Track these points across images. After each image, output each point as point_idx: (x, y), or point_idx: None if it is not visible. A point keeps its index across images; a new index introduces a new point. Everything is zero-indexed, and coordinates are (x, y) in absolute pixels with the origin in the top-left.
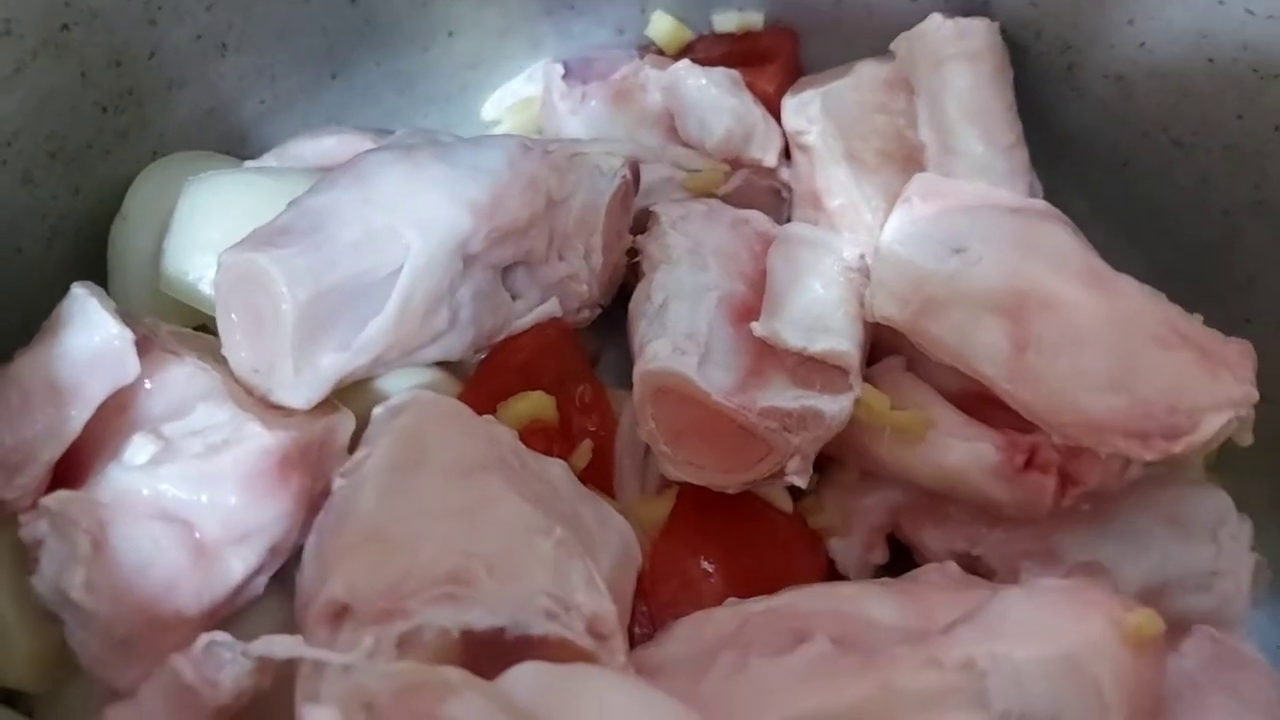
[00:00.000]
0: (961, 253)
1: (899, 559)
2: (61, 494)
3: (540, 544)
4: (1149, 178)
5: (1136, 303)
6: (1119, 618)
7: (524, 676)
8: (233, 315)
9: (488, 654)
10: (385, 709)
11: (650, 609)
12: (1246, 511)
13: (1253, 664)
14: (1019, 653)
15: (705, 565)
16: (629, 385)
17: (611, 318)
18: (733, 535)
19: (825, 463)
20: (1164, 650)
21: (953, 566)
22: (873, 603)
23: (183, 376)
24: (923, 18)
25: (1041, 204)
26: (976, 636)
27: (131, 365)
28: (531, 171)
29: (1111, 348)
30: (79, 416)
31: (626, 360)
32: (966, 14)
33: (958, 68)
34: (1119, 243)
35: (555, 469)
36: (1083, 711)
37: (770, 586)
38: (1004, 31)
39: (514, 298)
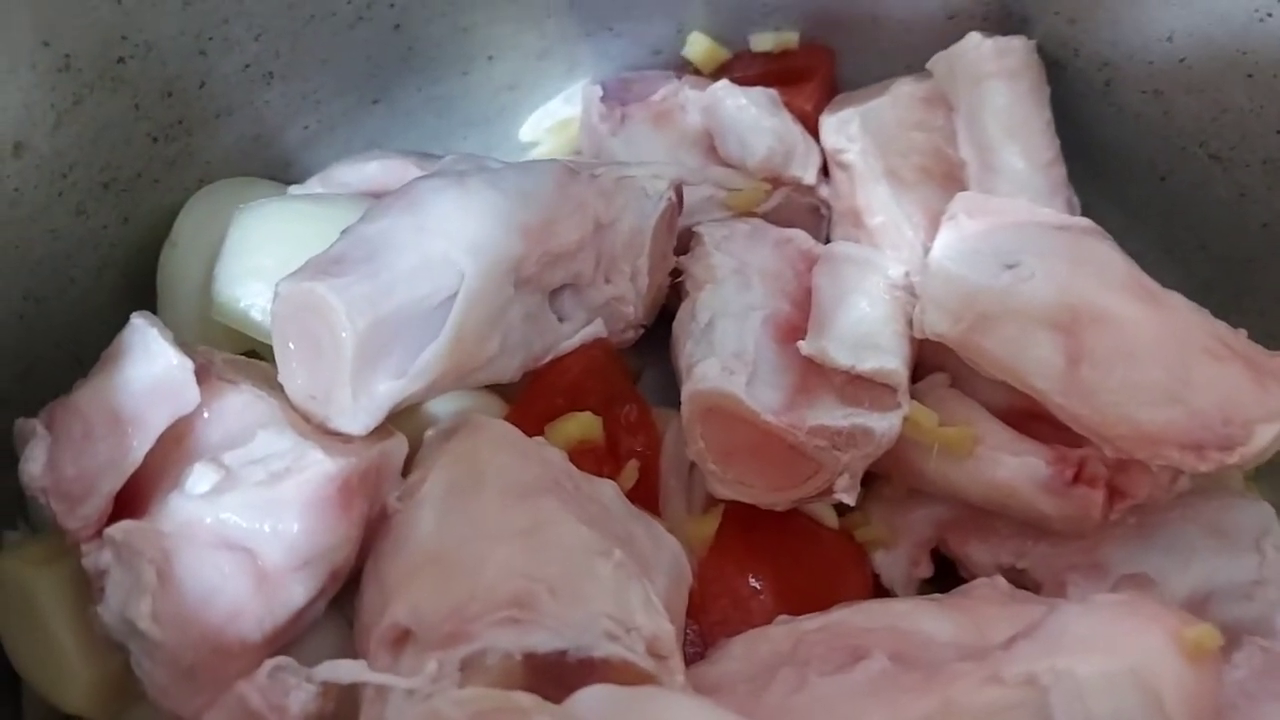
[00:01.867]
0: (1014, 268)
1: (943, 573)
2: (126, 524)
3: (599, 566)
4: (1187, 192)
5: (1186, 317)
6: (1178, 631)
7: (592, 700)
8: (290, 344)
9: (549, 676)
10: None
11: (701, 627)
12: None
13: None
14: (1081, 668)
15: (754, 583)
16: (671, 404)
17: (652, 337)
18: (780, 552)
19: (870, 478)
20: (1221, 663)
21: (1002, 581)
22: (927, 619)
23: (240, 405)
24: (958, 36)
25: (1086, 221)
26: (1038, 652)
27: (191, 394)
28: (580, 195)
29: (1164, 360)
30: (140, 447)
31: (667, 379)
32: (1004, 32)
33: (997, 85)
34: (1158, 257)
35: (607, 490)
36: None
37: (818, 602)
38: (1041, 49)
39: (560, 320)
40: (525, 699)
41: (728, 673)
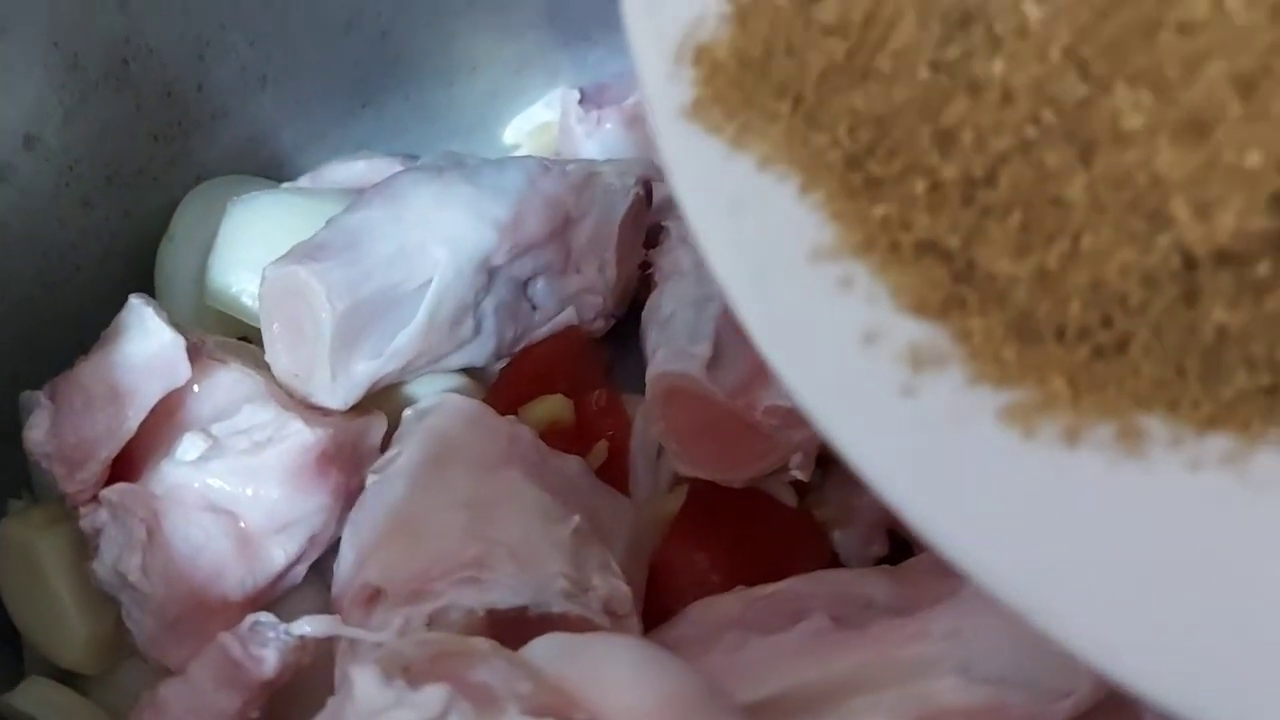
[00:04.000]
0: None
1: (900, 552)
2: (120, 486)
3: (558, 531)
4: None
5: None
6: None
7: (545, 646)
8: (275, 325)
9: (510, 631)
10: (421, 671)
11: (661, 598)
12: None
13: None
14: (1000, 620)
15: (714, 556)
16: (642, 391)
17: (625, 328)
18: (740, 528)
19: (828, 461)
20: None
21: None
22: (869, 584)
23: (228, 381)
24: None
25: None
26: (964, 608)
27: (183, 369)
28: (551, 190)
29: None
30: (135, 416)
31: (639, 368)
32: None
33: None
34: None
35: (573, 465)
36: (1058, 674)
37: (776, 575)
38: None
39: (533, 308)
40: (483, 643)
41: (679, 635)
